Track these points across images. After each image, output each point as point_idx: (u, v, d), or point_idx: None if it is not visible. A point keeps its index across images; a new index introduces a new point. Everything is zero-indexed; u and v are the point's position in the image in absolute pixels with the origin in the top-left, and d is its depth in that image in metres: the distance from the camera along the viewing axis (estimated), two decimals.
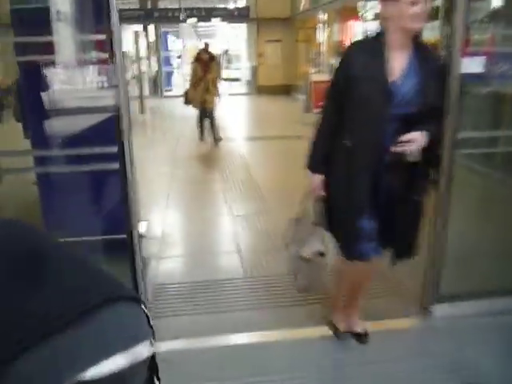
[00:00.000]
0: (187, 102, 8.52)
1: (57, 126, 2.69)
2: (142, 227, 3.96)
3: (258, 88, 17.82)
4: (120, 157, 2.26)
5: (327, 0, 13.18)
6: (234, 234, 4.35)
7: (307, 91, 10.64)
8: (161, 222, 4.69)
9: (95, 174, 2.76)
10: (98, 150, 2.33)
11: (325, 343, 2.63)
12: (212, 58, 8.36)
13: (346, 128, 2.19)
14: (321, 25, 14.14)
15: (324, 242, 2.45)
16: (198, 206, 5.35)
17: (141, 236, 3.91)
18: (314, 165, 2.36)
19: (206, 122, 8.66)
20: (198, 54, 8.43)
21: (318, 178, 2.33)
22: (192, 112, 9.04)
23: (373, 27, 11.18)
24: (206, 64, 8.19)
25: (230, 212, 5.03)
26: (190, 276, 3.53)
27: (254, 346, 2.65)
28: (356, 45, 2.33)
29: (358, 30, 12.37)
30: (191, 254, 4.05)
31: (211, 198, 5.64)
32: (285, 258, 2.64)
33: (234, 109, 14.60)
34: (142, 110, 13.55)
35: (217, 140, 8.56)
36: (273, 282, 3.35)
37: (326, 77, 10.70)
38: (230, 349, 2.62)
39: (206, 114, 8.47)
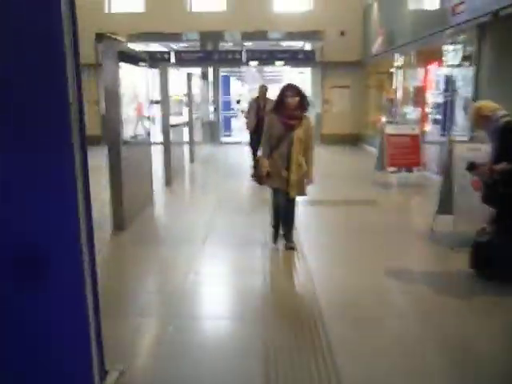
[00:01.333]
0: (260, 179, 5.01)
1: None
2: None
3: (322, 137, 16.18)
4: None
5: (405, 41, 11.51)
6: None
7: (380, 145, 8.83)
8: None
9: None
10: None
11: None
12: (303, 104, 4.78)
13: None
14: (396, 69, 12.43)
15: None
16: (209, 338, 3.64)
17: None
18: None
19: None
20: (282, 94, 4.75)
21: None
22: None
23: (457, 73, 9.41)
24: (292, 114, 4.69)
25: (263, 358, 3.23)
26: None
27: None
28: None
29: (439, 75, 10.60)
30: None
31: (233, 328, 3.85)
32: None
33: None
34: (192, 159, 12.27)
35: (289, 244, 5.13)
36: None
37: (403, 129, 8.88)
38: None
39: (286, 199, 4.96)
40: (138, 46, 14.15)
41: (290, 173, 4.77)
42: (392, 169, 8.56)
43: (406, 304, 3.93)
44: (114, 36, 9.46)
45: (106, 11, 16.49)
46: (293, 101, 4.69)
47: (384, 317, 3.66)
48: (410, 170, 8.60)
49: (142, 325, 3.55)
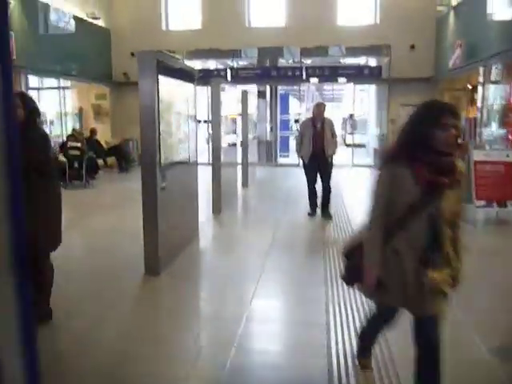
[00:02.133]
0: (353, 280, 2.69)
1: None
2: None
3: None
4: None
5: (490, 53, 10.04)
6: None
7: (466, 174, 7.41)
8: None
9: None
10: None
11: None
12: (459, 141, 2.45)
13: None
14: (479, 85, 10.92)
15: None
16: None
17: None
18: None
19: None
20: (430, 120, 2.28)
21: None
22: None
23: None
24: (447, 162, 2.30)
25: None
26: None
27: None
28: None
29: None
30: None
31: None
32: None
33: (357, 189, 11.80)
34: (246, 183, 11.28)
35: None
36: None
37: (495, 156, 7.42)
38: None
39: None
40: (195, 64, 13.54)
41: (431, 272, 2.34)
42: (481, 202, 7.13)
43: None
44: (170, 53, 8.74)
45: (164, 28, 16.11)
46: (453, 137, 2.27)
47: None
48: (503, 205, 7.14)
49: None
